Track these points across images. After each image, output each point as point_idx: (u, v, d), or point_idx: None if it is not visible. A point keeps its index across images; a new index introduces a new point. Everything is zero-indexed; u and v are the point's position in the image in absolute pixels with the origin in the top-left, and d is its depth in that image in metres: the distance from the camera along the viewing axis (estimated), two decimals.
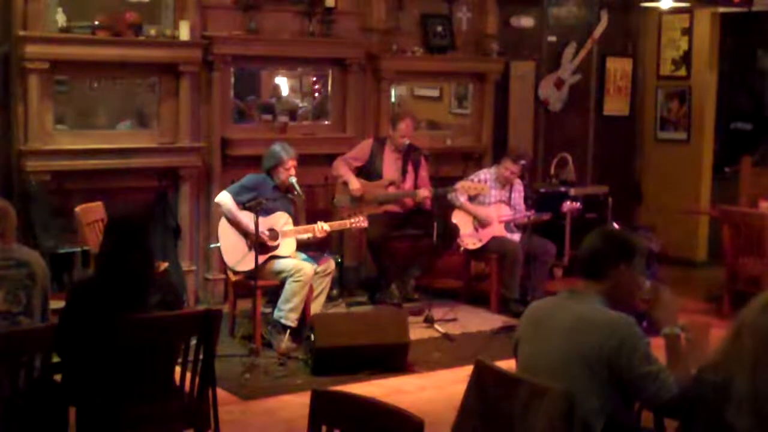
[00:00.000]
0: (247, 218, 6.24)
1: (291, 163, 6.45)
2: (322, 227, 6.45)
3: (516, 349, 3.38)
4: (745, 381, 2.65)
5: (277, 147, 6.53)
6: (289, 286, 6.24)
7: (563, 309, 3.27)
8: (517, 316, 6.45)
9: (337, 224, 6.71)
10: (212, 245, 6.86)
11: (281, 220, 6.42)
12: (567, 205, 7.57)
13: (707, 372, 2.78)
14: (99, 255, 4.32)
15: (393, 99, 8.41)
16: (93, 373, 3.94)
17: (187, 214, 7.23)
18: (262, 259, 6.20)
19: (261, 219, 6.15)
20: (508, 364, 3.40)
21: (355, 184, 7.38)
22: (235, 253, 6.34)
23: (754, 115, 10.70)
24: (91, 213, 6.28)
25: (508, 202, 7.59)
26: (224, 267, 6.69)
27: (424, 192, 7.39)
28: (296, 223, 6.51)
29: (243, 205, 6.31)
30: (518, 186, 7.64)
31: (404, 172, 7.59)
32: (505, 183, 7.57)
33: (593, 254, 3.30)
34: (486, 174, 7.66)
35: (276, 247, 6.34)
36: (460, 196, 7.49)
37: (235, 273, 6.42)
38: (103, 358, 3.89)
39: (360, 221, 6.72)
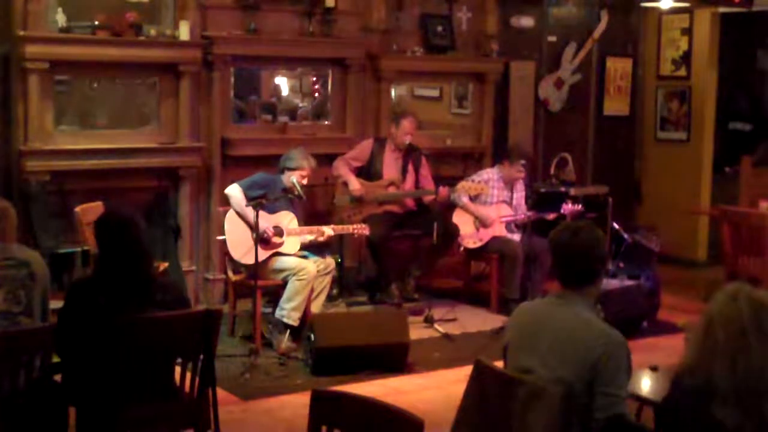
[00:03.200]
0: (253, 213, 6.26)
1: (307, 173, 6.52)
2: (325, 232, 6.47)
3: (505, 354, 3.37)
4: (725, 374, 2.64)
5: (300, 153, 6.58)
6: (291, 285, 6.25)
7: (554, 316, 3.23)
8: None
9: (339, 228, 6.73)
10: (218, 237, 6.84)
11: (286, 218, 6.44)
12: (568, 207, 7.55)
13: (684, 377, 2.76)
14: (96, 255, 4.33)
15: (393, 99, 8.41)
16: (93, 373, 3.95)
17: (187, 214, 7.22)
18: (266, 254, 6.21)
19: (267, 216, 6.19)
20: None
21: (355, 184, 7.38)
22: (241, 247, 6.36)
23: (754, 116, 10.69)
24: (91, 213, 6.26)
25: (509, 202, 7.59)
26: (224, 267, 6.70)
27: (444, 191, 7.34)
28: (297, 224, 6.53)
29: (249, 201, 6.34)
30: (520, 186, 7.64)
31: (404, 171, 7.59)
32: (509, 183, 7.57)
33: (582, 261, 3.23)
34: (489, 173, 7.65)
35: (280, 244, 6.36)
36: (462, 196, 7.49)
37: (236, 272, 6.43)
38: (103, 358, 3.89)
39: (362, 228, 6.74)
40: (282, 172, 6.55)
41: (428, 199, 7.52)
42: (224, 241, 6.49)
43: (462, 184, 7.42)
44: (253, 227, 6.24)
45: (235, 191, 6.42)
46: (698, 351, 2.73)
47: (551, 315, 3.25)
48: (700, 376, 2.68)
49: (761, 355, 2.64)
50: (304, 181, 6.50)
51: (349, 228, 6.77)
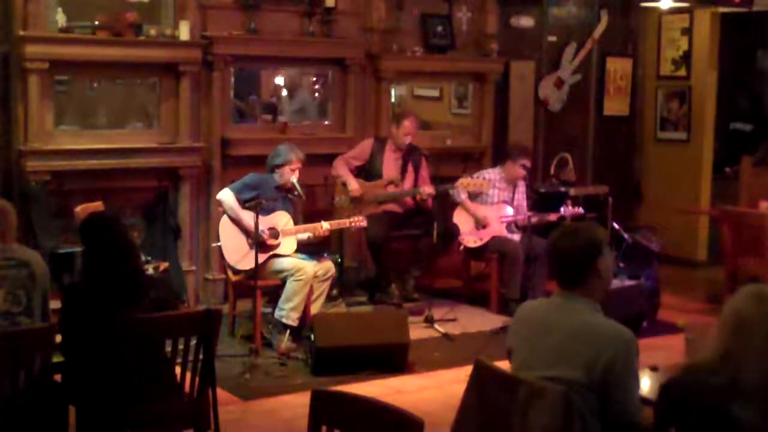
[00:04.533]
0: (248, 216, 6.25)
1: (297, 165, 6.48)
2: (323, 227, 6.46)
3: (510, 356, 3.37)
4: (754, 374, 2.64)
5: (286, 147, 6.56)
6: (290, 285, 6.24)
7: (558, 316, 3.22)
8: None
9: (336, 223, 6.72)
10: (214, 244, 6.87)
11: (282, 219, 6.43)
12: (568, 210, 7.53)
13: (704, 374, 2.74)
14: (83, 258, 4.35)
15: (393, 99, 8.41)
16: (94, 373, 3.95)
17: (187, 214, 7.23)
18: (263, 257, 6.20)
19: (262, 218, 6.16)
20: (507, 364, 3.39)
21: (353, 184, 7.38)
22: (236, 252, 6.35)
23: (754, 116, 10.69)
24: None
25: (510, 203, 7.58)
26: (224, 267, 6.70)
27: (428, 189, 7.38)
28: (295, 223, 6.52)
29: (244, 204, 6.32)
30: (521, 186, 7.63)
31: (404, 171, 7.58)
32: (512, 182, 7.55)
33: (569, 261, 3.24)
34: (491, 174, 7.64)
35: (277, 246, 6.35)
36: (461, 193, 7.48)
37: (236, 272, 6.43)
38: (104, 358, 3.89)
39: (359, 221, 6.72)
40: (272, 171, 6.53)
41: (421, 198, 7.50)
42: (219, 248, 6.49)
43: (461, 181, 7.41)
44: (248, 232, 6.24)
45: (227, 196, 6.40)
46: (726, 350, 2.71)
47: (555, 315, 3.24)
48: (724, 376, 2.67)
49: None
50: (296, 174, 6.47)
51: (345, 222, 6.74)
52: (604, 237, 3.30)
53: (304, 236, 6.47)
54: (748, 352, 2.67)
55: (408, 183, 7.60)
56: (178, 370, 4.12)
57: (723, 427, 2.68)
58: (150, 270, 5.85)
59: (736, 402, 2.65)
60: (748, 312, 2.72)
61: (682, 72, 9.68)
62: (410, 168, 7.61)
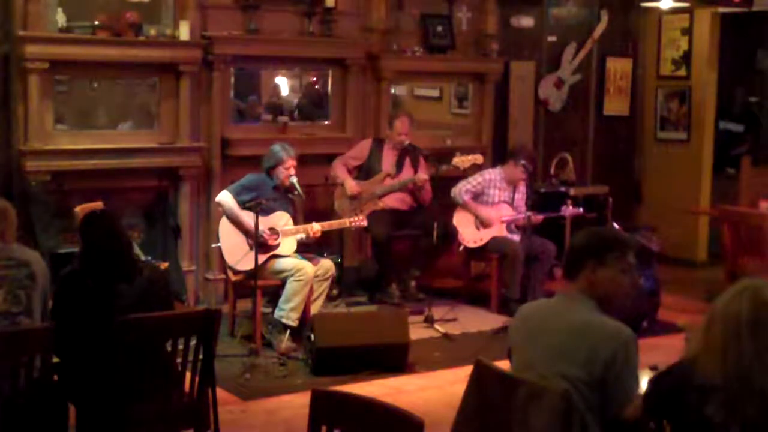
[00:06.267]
0: (248, 218, 6.24)
1: (291, 163, 6.46)
2: (314, 227, 6.45)
3: (510, 356, 3.37)
4: (716, 368, 2.62)
5: (277, 147, 6.55)
6: (290, 286, 6.24)
7: (557, 315, 3.23)
8: None
9: (336, 223, 6.72)
10: (213, 245, 6.87)
11: (281, 219, 6.43)
12: (569, 210, 7.52)
13: (688, 372, 2.71)
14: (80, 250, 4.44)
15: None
16: (93, 372, 3.95)
17: (187, 214, 7.23)
18: (262, 258, 6.20)
19: (261, 218, 6.16)
20: (508, 364, 3.39)
21: (349, 183, 7.38)
22: (236, 253, 6.35)
23: (747, 115, 10.69)
24: None
25: (510, 203, 7.59)
26: (224, 267, 6.70)
27: (423, 175, 7.38)
28: (295, 223, 6.52)
29: (243, 205, 6.32)
30: (521, 187, 7.63)
31: (400, 165, 7.56)
32: (512, 183, 7.55)
33: (568, 253, 3.33)
34: (492, 173, 7.64)
35: (276, 247, 6.35)
36: (464, 195, 7.49)
37: (236, 273, 6.42)
38: (103, 357, 3.89)
39: (359, 220, 6.72)
40: (267, 173, 6.53)
41: (419, 194, 7.48)
42: (219, 248, 6.48)
43: (456, 159, 7.40)
44: (248, 233, 6.24)
45: (226, 198, 6.39)
46: (696, 345, 2.71)
47: (555, 314, 3.24)
48: (700, 373, 2.66)
49: (752, 352, 2.61)
50: (293, 172, 6.47)
51: (345, 222, 6.74)
52: (614, 246, 3.24)
53: (299, 236, 6.47)
54: (710, 346, 2.65)
55: (404, 178, 7.56)
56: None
57: (699, 427, 2.66)
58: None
59: (709, 401, 2.63)
60: (720, 306, 2.69)
61: (682, 72, 9.67)
62: (408, 165, 7.60)
